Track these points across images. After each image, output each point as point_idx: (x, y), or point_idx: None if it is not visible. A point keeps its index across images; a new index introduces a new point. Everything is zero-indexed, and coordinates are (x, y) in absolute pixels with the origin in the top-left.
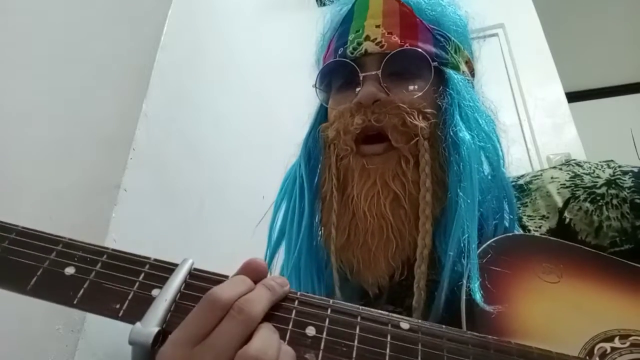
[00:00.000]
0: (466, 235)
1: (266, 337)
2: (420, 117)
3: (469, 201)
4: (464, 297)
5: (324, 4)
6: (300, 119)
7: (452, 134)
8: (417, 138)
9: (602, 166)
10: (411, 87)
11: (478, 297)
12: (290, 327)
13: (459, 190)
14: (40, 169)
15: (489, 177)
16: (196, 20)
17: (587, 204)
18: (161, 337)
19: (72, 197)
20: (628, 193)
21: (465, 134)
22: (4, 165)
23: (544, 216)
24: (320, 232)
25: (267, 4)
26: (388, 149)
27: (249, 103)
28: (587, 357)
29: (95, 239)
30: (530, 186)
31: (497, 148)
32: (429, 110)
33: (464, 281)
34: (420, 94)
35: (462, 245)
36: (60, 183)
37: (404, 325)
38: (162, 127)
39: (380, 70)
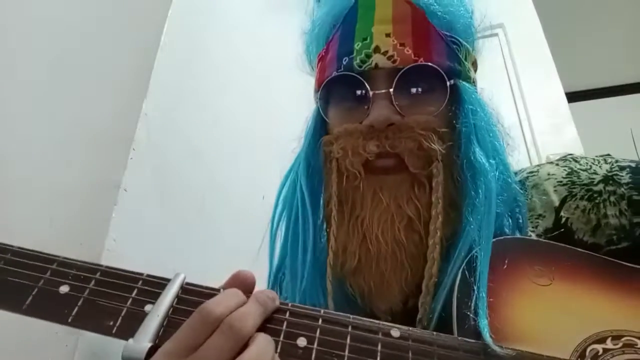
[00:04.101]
0: (479, 269)
1: (262, 347)
2: (436, 139)
3: (485, 235)
4: (454, 303)
5: None
6: (301, 119)
7: (470, 159)
8: (435, 163)
9: (599, 161)
10: (426, 106)
11: (488, 337)
12: (281, 338)
13: (470, 218)
14: (40, 168)
15: (504, 199)
16: (196, 20)
17: (584, 202)
18: (154, 353)
19: (72, 197)
20: (626, 189)
21: (483, 162)
22: (4, 166)
23: (540, 215)
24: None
25: (268, 3)
26: (400, 166)
27: (249, 103)
28: None
29: (95, 239)
30: (527, 183)
31: (509, 173)
32: (444, 130)
33: (455, 290)
34: (436, 113)
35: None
36: (60, 183)
37: (395, 333)
38: (162, 127)
39: (393, 88)
